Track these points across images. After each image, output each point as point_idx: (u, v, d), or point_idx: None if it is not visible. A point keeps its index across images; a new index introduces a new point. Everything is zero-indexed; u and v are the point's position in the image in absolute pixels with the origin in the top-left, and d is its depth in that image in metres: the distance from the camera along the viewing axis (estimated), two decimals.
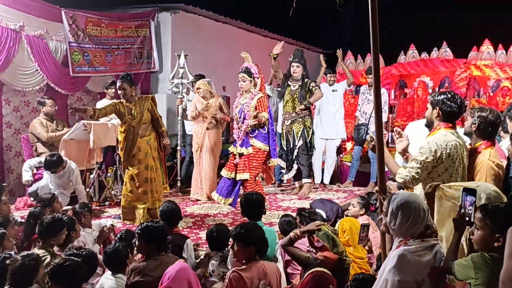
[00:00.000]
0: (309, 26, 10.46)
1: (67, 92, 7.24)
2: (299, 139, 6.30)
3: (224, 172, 5.38)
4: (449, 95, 3.05)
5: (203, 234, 4.69)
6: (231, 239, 3.12)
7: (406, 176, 2.96)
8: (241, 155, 5.26)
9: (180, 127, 6.94)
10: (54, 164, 5.19)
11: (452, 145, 2.93)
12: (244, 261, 3.01)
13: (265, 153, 5.35)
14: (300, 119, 6.30)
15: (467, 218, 2.28)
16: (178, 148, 6.87)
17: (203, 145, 6.10)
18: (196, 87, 6.21)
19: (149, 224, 3.24)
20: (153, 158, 5.07)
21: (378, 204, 3.11)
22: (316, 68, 9.46)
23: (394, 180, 3.38)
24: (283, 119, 6.50)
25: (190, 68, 7.07)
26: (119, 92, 5.00)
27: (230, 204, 5.37)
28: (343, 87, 7.45)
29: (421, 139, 3.15)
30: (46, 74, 6.71)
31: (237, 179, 5.25)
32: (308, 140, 6.32)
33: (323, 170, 7.24)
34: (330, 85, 7.28)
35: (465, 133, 3.30)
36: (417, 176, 2.93)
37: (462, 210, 2.31)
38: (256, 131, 5.30)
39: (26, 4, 6.48)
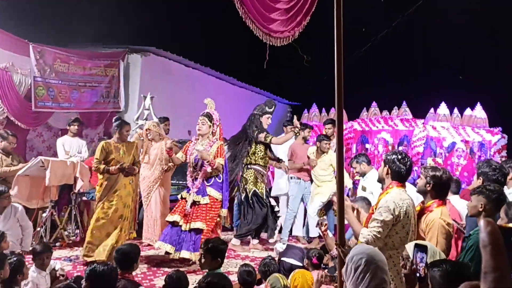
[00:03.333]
0: (277, 77, 10.75)
1: (27, 126, 7.05)
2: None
3: (170, 218, 5.08)
4: (400, 156, 3.14)
5: (157, 281, 4.54)
6: None
7: (368, 235, 2.97)
8: (195, 202, 5.08)
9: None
10: None
11: (407, 203, 3.01)
12: None
13: (220, 202, 5.22)
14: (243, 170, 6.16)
15: (418, 274, 2.29)
16: (139, 190, 6.71)
17: (152, 191, 5.97)
18: (146, 128, 5.99)
19: (99, 266, 3.12)
20: (131, 198, 5.27)
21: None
22: (281, 120, 9.67)
23: None
24: None
25: (156, 110, 7.06)
26: (125, 133, 5.24)
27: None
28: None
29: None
30: (7, 107, 6.54)
31: (189, 228, 4.98)
32: (243, 197, 6.11)
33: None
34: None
35: (419, 191, 3.40)
36: (379, 235, 2.95)
37: (414, 266, 2.33)
38: (212, 180, 5.18)
39: None
